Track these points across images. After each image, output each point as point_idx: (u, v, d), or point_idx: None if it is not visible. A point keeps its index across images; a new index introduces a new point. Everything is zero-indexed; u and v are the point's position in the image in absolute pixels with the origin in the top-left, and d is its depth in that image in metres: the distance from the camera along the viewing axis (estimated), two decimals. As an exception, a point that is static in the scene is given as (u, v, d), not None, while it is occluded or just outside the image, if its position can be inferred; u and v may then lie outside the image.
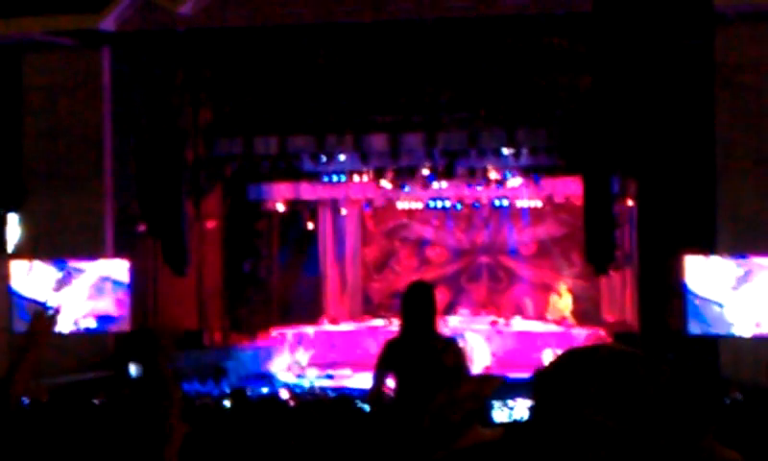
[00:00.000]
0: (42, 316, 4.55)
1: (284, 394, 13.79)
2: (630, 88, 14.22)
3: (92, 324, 14.89)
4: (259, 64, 15.79)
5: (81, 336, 14.83)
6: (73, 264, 14.94)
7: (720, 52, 13.83)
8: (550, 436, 2.34)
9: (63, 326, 14.57)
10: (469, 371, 8.78)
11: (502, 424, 11.28)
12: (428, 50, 15.12)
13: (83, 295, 14.82)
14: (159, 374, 13.43)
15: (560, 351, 2.51)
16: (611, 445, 2.30)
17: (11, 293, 14.89)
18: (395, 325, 14.61)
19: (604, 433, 2.27)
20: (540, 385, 2.37)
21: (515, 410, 12.16)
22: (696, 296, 13.32)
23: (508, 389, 11.74)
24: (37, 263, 14.96)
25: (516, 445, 2.60)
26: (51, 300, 14.56)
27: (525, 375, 13.91)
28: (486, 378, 8.97)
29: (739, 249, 13.32)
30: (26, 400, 10.38)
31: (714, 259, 13.42)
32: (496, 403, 11.82)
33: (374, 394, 8.15)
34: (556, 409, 2.34)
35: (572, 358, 2.36)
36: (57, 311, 4.90)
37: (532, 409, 2.44)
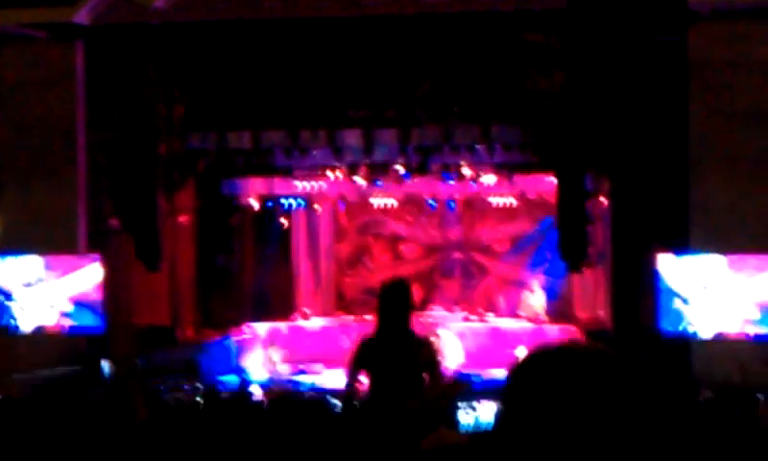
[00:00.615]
0: None
1: (256, 390, 13.74)
2: (604, 85, 14.24)
3: (65, 321, 14.78)
4: (233, 59, 15.71)
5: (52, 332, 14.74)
6: (46, 261, 14.81)
7: (694, 49, 13.85)
8: (517, 439, 2.31)
9: (33, 322, 14.51)
10: (443, 369, 8.78)
11: (467, 428, 11.32)
12: (403, 45, 15.08)
13: (55, 292, 14.71)
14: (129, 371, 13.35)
15: (531, 348, 2.49)
16: (577, 446, 2.27)
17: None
18: (367, 321, 14.63)
19: (571, 435, 2.24)
20: (508, 386, 2.34)
21: (480, 413, 12.16)
22: (668, 294, 13.33)
23: (474, 391, 11.75)
24: (9, 258, 14.84)
25: (482, 448, 2.58)
26: (21, 295, 14.49)
27: (494, 375, 13.96)
28: (452, 382, 8.98)
29: (712, 246, 13.34)
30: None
31: (687, 257, 13.44)
32: (462, 405, 11.80)
33: (348, 391, 8.15)
34: (522, 411, 2.31)
35: (538, 358, 2.33)
36: None
37: (499, 412, 2.41)
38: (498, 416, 2.39)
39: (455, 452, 3.92)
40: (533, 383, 2.34)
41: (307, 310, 19.31)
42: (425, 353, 7.98)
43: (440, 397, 7.05)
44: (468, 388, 9.48)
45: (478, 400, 12.13)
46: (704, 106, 13.82)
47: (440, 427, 5.67)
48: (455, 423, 10.10)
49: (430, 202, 19.23)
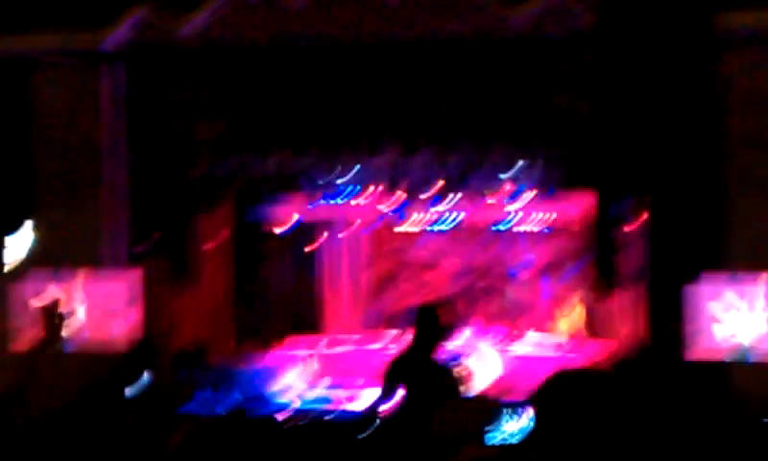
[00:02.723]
0: (55, 314, 4.57)
1: (282, 415, 13.77)
2: (640, 107, 14.23)
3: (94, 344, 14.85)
4: (260, 84, 15.79)
5: (81, 356, 14.81)
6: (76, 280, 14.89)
7: (731, 72, 13.87)
8: (545, 453, 2.36)
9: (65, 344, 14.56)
10: (466, 394, 8.82)
11: (495, 446, 11.31)
12: (434, 71, 15.13)
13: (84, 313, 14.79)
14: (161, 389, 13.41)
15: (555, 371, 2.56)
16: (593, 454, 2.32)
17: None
18: (393, 347, 14.66)
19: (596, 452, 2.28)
20: (536, 405, 2.40)
21: (508, 433, 12.17)
22: (707, 317, 13.28)
23: (503, 412, 11.75)
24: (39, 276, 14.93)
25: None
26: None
27: (521, 399, 13.95)
28: (483, 401, 9.01)
29: (752, 269, 13.31)
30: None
31: (727, 279, 13.39)
32: (491, 426, 11.82)
33: (378, 410, 8.20)
34: (549, 428, 2.36)
35: (559, 381, 2.39)
36: (66, 314, 4.92)
37: (526, 427, 2.51)
38: (525, 431, 2.48)
39: None
40: (556, 401, 2.39)
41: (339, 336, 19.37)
42: (446, 380, 8.05)
43: (472, 415, 7.09)
44: (497, 407, 9.54)
45: (507, 421, 12.14)
46: (742, 127, 13.82)
47: (471, 444, 5.71)
48: (485, 442, 10.12)
49: (455, 228, 19.22)
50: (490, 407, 8.87)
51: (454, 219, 18.97)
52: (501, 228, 19.30)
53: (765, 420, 10.91)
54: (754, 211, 13.79)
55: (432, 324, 8.24)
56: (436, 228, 19.46)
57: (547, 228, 19.13)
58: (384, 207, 18.23)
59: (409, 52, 15.06)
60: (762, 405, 12.38)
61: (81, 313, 14.76)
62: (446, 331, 10.39)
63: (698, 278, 13.53)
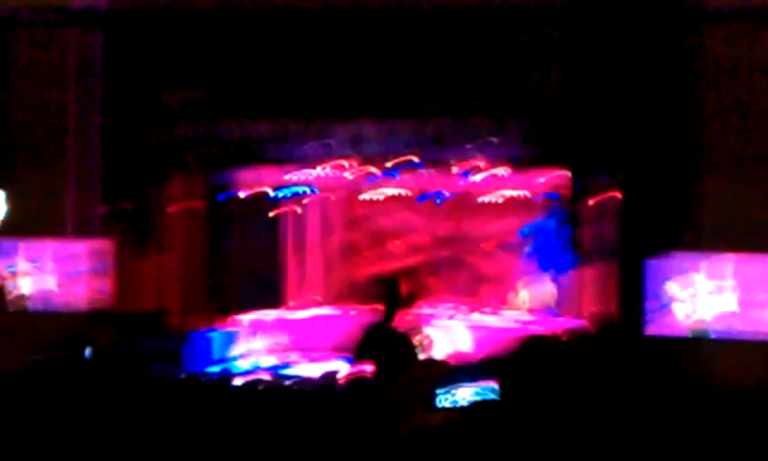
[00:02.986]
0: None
1: (239, 381, 13.73)
2: (615, 80, 14.20)
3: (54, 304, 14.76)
4: (225, 48, 15.67)
5: (46, 316, 14.73)
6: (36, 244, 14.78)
7: (709, 47, 13.82)
8: (511, 415, 2.42)
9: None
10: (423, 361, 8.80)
11: (445, 409, 11.30)
12: (402, 38, 15.04)
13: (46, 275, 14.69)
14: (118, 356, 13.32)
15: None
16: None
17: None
18: (353, 313, 14.60)
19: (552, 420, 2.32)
20: (503, 368, 2.47)
21: (458, 396, 12.15)
22: (671, 294, 13.29)
23: (452, 375, 11.73)
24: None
25: (459, 430, 2.64)
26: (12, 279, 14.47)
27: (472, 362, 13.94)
28: (431, 364, 8.99)
29: (722, 247, 13.32)
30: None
31: (693, 257, 13.40)
32: (441, 390, 11.80)
33: (351, 376, 8.20)
34: (512, 390, 2.43)
35: (529, 345, 2.46)
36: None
37: (493, 391, 2.57)
38: (479, 394, 2.56)
39: (434, 433, 3.96)
40: (521, 367, 2.47)
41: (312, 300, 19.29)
42: (405, 348, 8.05)
43: (420, 378, 7.08)
44: (446, 371, 9.50)
45: (457, 384, 12.12)
46: (718, 104, 13.79)
47: (419, 410, 5.70)
48: (434, 406, 10.07)
49: (419, 197, 19.19)
50: (440, 370, 8.86)
51: (420, 189, 18.94)
52: (468, 199, 19.25)
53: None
54: (726, 190, 13.77)
55: (393, 294, 8.22)
56: (401, 196, 19.41)
57: (516, 201, 19.10)
58: (350, 175, 18.18)
59: (383, 20, 14.96)
60: (719, 380, 12.42)
61: (49, 280, 14.66)
62: (408, 302, 10.40)
63: (662, 255, 13.53)
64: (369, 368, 8.22)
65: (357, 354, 8.31)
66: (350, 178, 18.32)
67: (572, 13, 14.29)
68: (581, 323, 16.66)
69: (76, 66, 15.53)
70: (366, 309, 12.11)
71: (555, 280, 18.75)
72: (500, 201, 19.01)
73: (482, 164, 17.47)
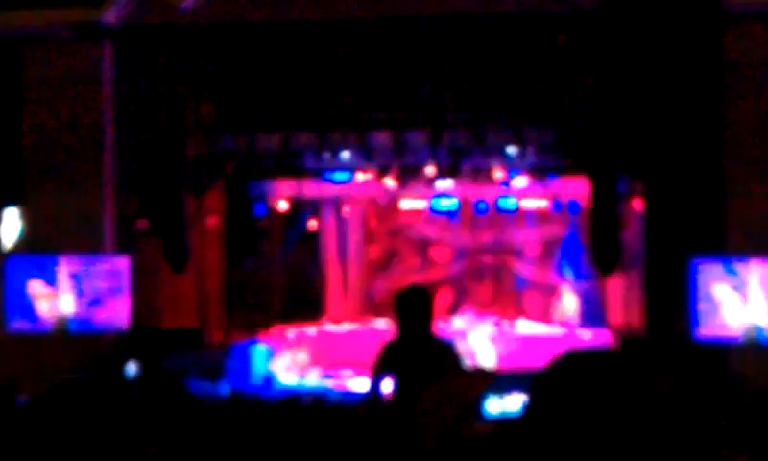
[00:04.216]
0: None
1: (283, 396, 13.62)
2: (638, 87, 14.05)
3: (89, 324, 14.67)
4: (262, 60, 15.60)
5: (76, 336, 14.63)
6: (71, 261, 14.70)
7: (732, 51, 13.66)
8: (545, 432, 2.33)
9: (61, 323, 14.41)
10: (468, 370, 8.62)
11: (494, 419, 11.16)
12: (433, 47, 14.94)
13: (80, 293, 14.61)
14: (160, 372, 13.22)
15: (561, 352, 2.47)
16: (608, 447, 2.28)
17: (7, 291, 14.66)
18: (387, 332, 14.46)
19: (599, 436, 2.25)
20: (539, 384, 2.37)
21: (507, 404, 12.04)
22: (703, 299, 13.13)
23: (501, 384, 11.62)
24: (35, 260, 14.74)
25: (509, 439, 2.57)
26: (47, 297, 14.40)
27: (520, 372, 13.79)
28: (478, 374, 8.81)
29: (749, 252, 13.14)
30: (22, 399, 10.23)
31: (723, 262, 13.24)
32: (490, 398, 11.66)
33: (372, 397, 8.03)
34: (553, 407, 2.33)
35: (570, 360, 2.37)
36: None
37: (527, 406, 2.44)
38: (527, 407, 2.43)
39: (482, 443, 3.88)
40: (562, 381, 2.35)
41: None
42: (448, 358, 7.90)
43: (466, 388, 6.88)
44: (493, 381, 9.34)
45: (506, 393, 12.03)
46: (741, 108, 13.63)
47: (468, 419, 5.54)
48: (483, 415, 9.92)
49: (460, 205, 19.12)
50: (487, 378, 8.69)
51: (455, 198, 18.90)
52: (500, 208, 19.17)
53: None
54: (753, 192, 13.59)
55: (422, 303, 8.05)
56: (438, 206, 19.33)
57: (543, 210, 19.04)
58: (388, 182, 18.13)
59: (406, 30, 14.86)
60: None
61: (68, 300, 14.57)
62: (438, 313, 10.26)
63: (700, 260, 13.35)
64: (388, 385, 8.08)
65: (375, 372, 8.16)
66: (392, 186, 18.27)
67: (594, 22, 14.15)
68: (627, 331, 16.54)
69: (111, 82, 15.47)
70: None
71: (592, 288, 18.64)
72: (545, 206, 18.94)
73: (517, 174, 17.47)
